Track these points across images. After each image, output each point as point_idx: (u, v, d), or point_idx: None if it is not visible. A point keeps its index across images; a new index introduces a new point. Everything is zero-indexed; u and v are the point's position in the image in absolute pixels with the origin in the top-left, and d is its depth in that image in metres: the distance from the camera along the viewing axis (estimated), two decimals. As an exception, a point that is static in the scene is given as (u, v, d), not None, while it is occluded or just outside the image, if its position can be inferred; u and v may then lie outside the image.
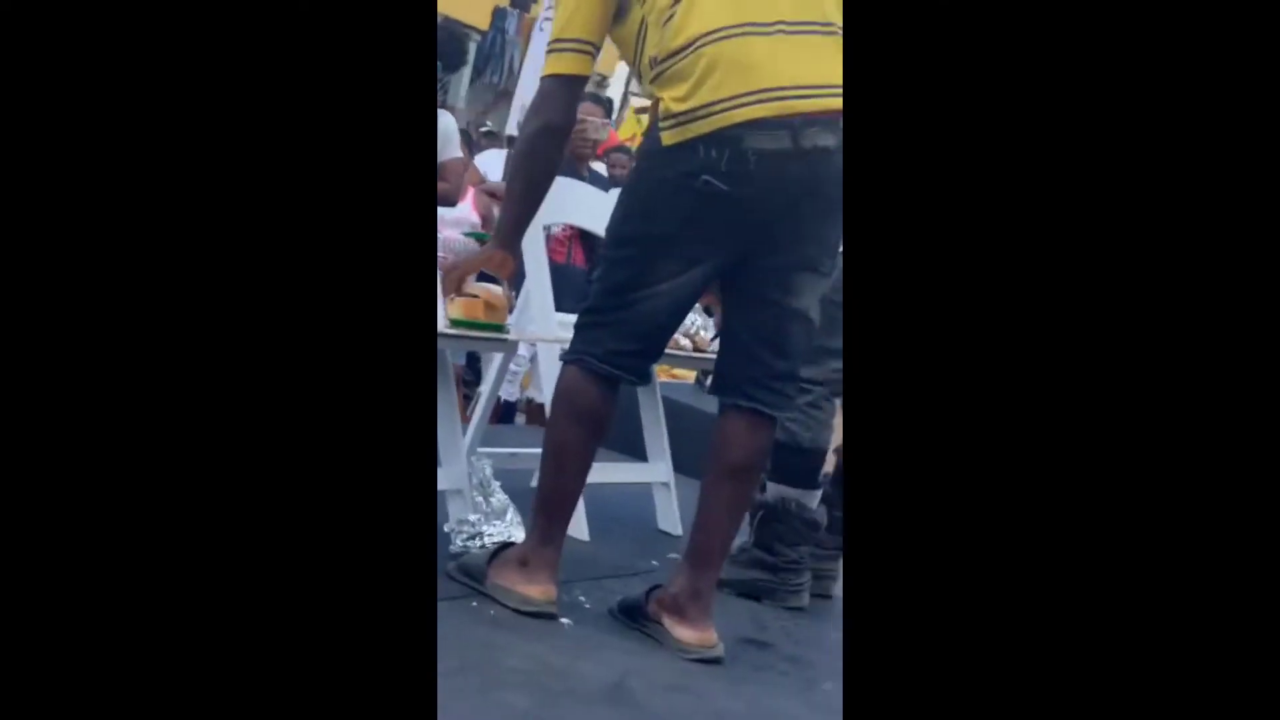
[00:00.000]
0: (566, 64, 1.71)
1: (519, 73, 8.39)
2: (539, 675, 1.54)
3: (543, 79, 1.79)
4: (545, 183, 1.86)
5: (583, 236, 3.77)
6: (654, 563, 2.18)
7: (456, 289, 1.91)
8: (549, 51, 1.77)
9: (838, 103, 1.57)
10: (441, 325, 1.89)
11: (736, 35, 1.61)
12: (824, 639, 1.98)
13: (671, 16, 1.61)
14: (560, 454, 1.73)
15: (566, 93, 1.76)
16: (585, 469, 1.77)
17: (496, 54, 8.51)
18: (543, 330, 2.11)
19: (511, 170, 1.97)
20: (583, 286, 2.60)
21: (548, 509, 1.72)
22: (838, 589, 2.17)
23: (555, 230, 3.44)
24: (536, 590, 1.68)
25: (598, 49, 1.75)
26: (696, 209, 1.62)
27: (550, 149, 1.81)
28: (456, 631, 1.57)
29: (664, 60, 1.63)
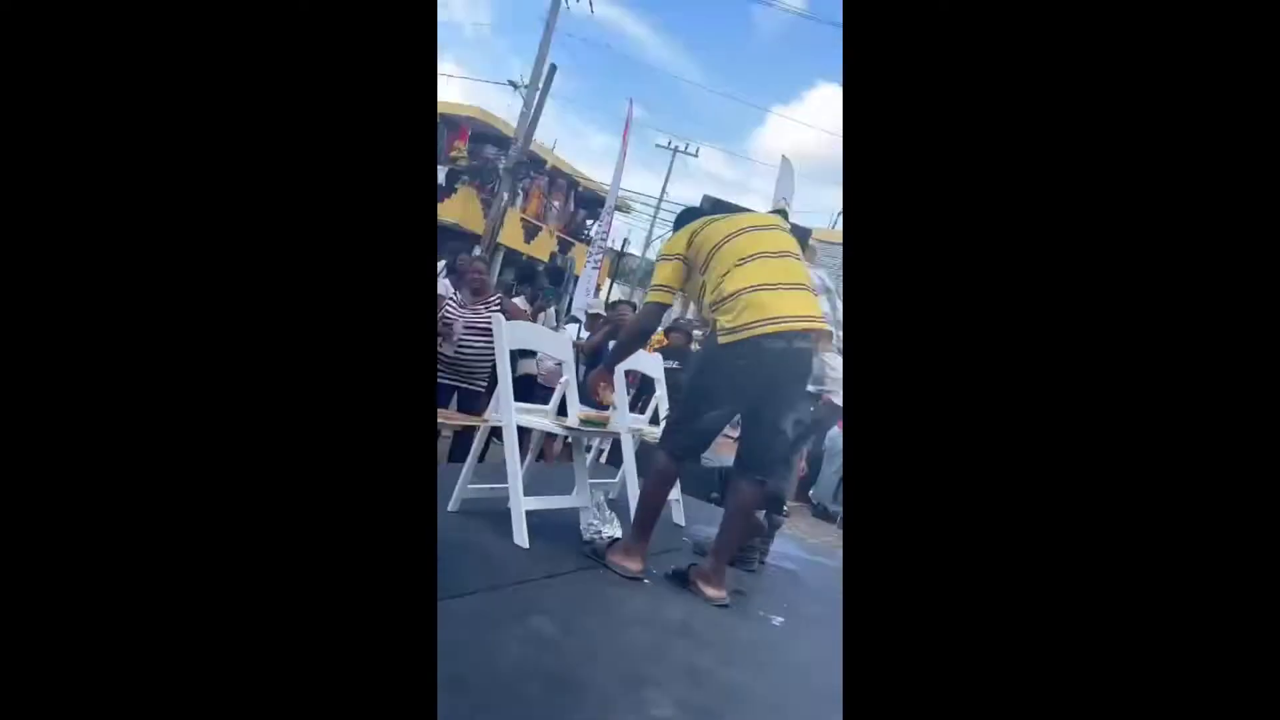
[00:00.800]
0: (659, 297, 2.68)
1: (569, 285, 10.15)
2: (639, 615, 2.27)
3: (646, 302, 2.76)
4: (637, 349, 2.96)
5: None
6: (684, 539, 3.21)
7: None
8: (651, 288, 2.71)
9: (809, 325, 2.42)
10: (573, 422, 2.86)
11: (760, 290, 2.43)
12: (762, 588, 2.96)
13: (722, 281, 2.48)
14: (653, 497, 2.62)
15: (658, 311, 2.74)
16: (663, 504, 2.69)
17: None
18: (625, 425, 3.16)
19: (624, 337, 2.96)
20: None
21: (642, 523, 2.61)
22: (763, 559, 3.25)
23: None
24: (635, 565, 2.56)
25: (676, 292, 2.70)
26: (732, 376, 2.47)
27: (645, 335, 2.89)
28: (587, 585, 2.42)
29: (719, 302, 2.47)
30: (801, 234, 2.90)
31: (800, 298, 2.49)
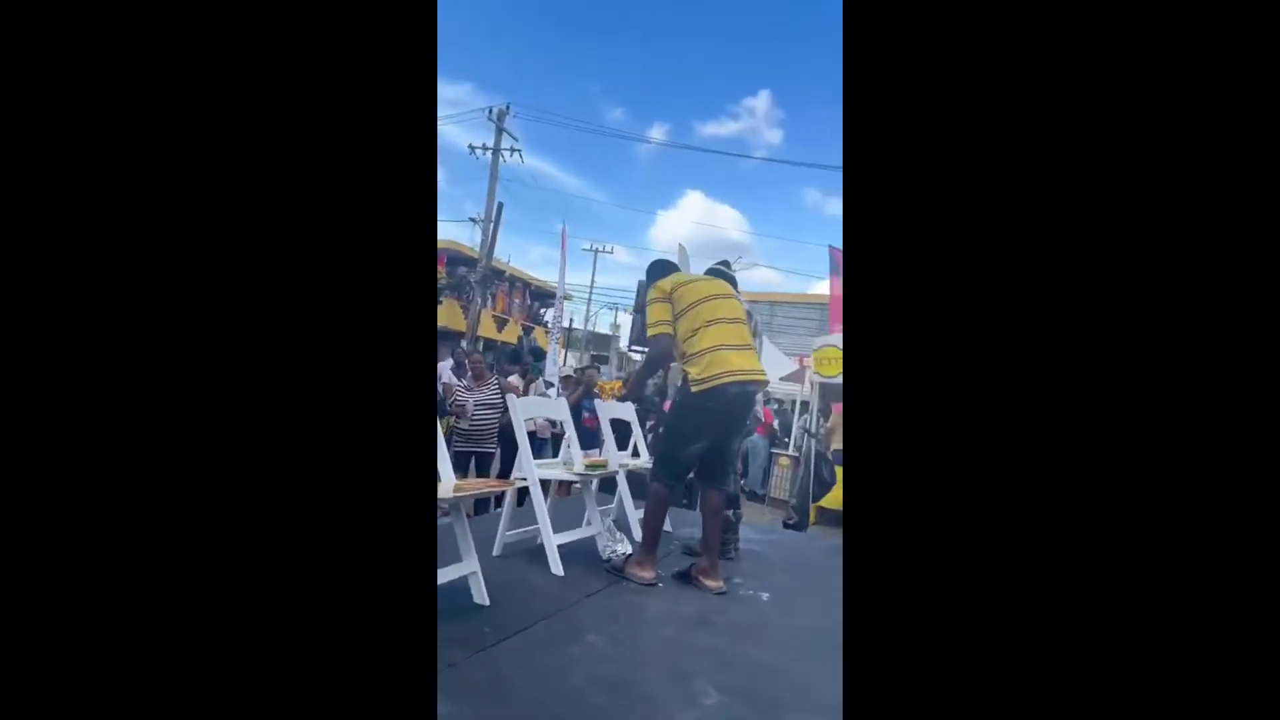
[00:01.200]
0: (662, 329, 2.42)
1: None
2: (663, 616, 2.09)
3: (653, 335, 2.46)
4: (658, 369, 2.67)
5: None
6: (674, 542, 3.01)
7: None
8: (651, 325, 2.44)
9: (755, 377, 2.36)
10: (579, 468, 2.67)
11: (722, 349, 2.36)
12: (741, 570, 2.74)
13: (693, 337, 2.40)
14: (654, 518, 2.46)
15: (667, 340, 2.44)
16: (663, 523, 2.52)
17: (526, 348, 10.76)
18: (616, 461, 2.95)
19: (647, 361, 2.68)
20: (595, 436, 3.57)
21: (648, 540, 2.45)
22: (737, 547, 3.03)
23: (586, 415, 4.50)
24: (649, 574, 2.40)
25: (671, 324, 2.44)
26: (702, 416, 2.40)
27: (663, 359, 2.53)
28: (617, 598, 2.22)
29: (690, 355, 2.39)
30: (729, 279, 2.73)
31: (750, 355, 2.44)
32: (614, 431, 3.11)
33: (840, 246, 9.26)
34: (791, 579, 2.84)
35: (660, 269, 2.69)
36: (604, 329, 25.76)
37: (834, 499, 5.56)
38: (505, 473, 4.95)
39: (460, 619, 1.86)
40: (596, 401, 3.47)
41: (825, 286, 8.13)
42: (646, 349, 3.24)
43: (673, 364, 3.29)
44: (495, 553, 2.57)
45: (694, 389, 2.39)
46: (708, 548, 2.50)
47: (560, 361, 10.19)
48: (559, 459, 2.91)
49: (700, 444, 2.44)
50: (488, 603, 1.99)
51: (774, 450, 8.23)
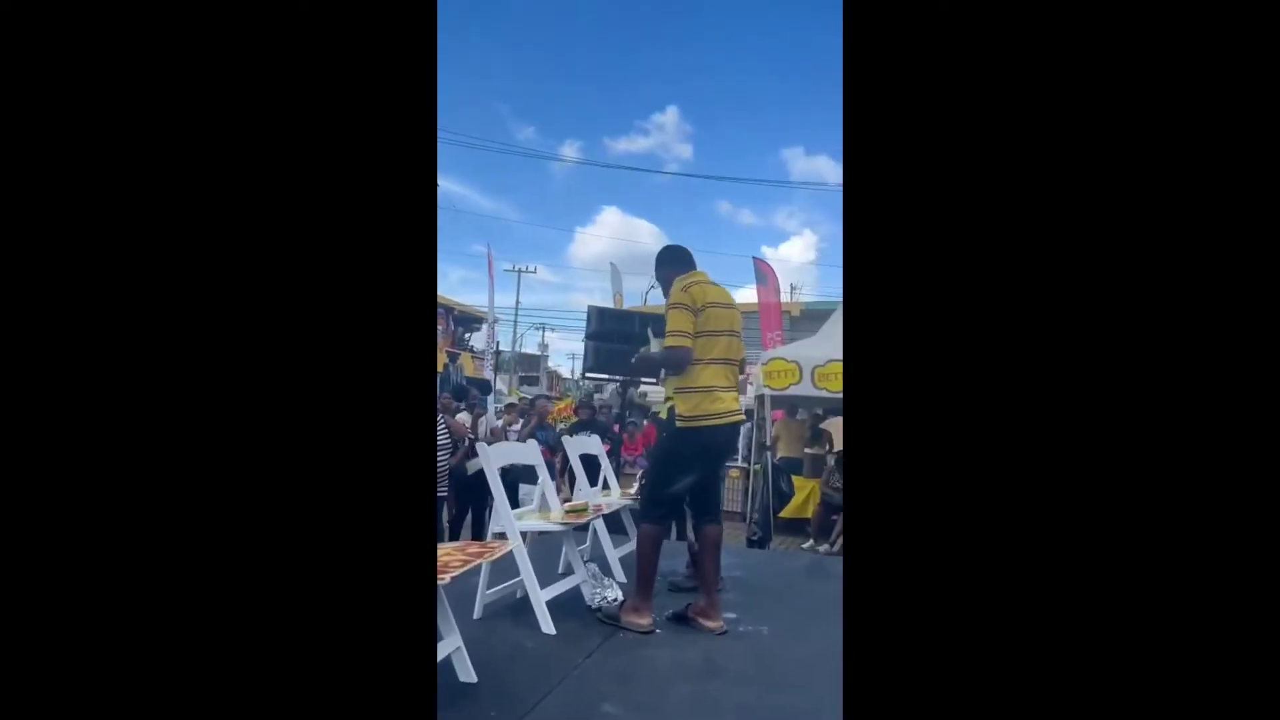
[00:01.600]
0: (684, 341, 2.29)
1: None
2: (670, 669, 1.99)
3: (673, 345, 2.30)
4: (659, 372, 2.61)
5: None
6: (659, 577, 2.76)
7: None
8: (671, 333, 2.29)
9: (739, 418, 2.37)
10: (559, 516, 2.52)
11: (715, 390, 2.32)
12: (729, 603, 2.60)
13: (694, 365, 2.30)
14: (648, 560, 2.35)
15: (687, 352, 2.30)
16: (657, 563, 2.38)
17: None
18: (592, 502, 2.81)
19: (654, 361, 2.58)
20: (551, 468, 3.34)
21: (643, 583, 2.33)
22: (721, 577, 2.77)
23: (541, 447, 4.29)
24: (646, 621, 2.30)
25: (693, 336, 2.31)
26: (692, 452, 2.35)
27: (674, 371, 2.37)
28: (618, 653, 2.10)
29: (683, 387, 2.33)
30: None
31: (736, 397, 2.44)
32: (582, 467, 2.94)
33: (762, 257, 9.45)
34: (781, 605, 2.77)
35: (676, 259, 2.48)
36: (531, 349, 25.35)
37: (793, 508, 5.57)
38: (458, 518, 4.69)
39: (457, 704, 1.68)
40: (565, 439, 3.30)
41: (746, 295, 8.22)
42: (600, 367, 3.14)
43: (643, 382, 3.14)
44: (476, 615, 2.38)
45: (678, 424, 2.36)
46: (706, 586, 2.41)
47: (493, 384, 9.90)
48: (533, 506, 2.71)
49: (689, 479, 2.39)
50: (475, 679, 1.81)
51: (721, 463, 8.21)
